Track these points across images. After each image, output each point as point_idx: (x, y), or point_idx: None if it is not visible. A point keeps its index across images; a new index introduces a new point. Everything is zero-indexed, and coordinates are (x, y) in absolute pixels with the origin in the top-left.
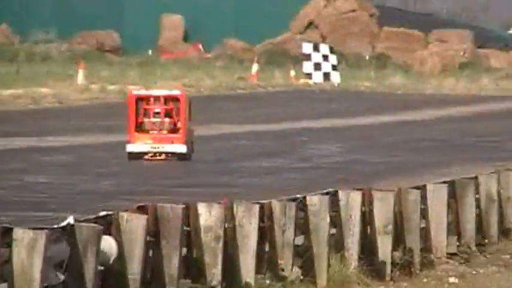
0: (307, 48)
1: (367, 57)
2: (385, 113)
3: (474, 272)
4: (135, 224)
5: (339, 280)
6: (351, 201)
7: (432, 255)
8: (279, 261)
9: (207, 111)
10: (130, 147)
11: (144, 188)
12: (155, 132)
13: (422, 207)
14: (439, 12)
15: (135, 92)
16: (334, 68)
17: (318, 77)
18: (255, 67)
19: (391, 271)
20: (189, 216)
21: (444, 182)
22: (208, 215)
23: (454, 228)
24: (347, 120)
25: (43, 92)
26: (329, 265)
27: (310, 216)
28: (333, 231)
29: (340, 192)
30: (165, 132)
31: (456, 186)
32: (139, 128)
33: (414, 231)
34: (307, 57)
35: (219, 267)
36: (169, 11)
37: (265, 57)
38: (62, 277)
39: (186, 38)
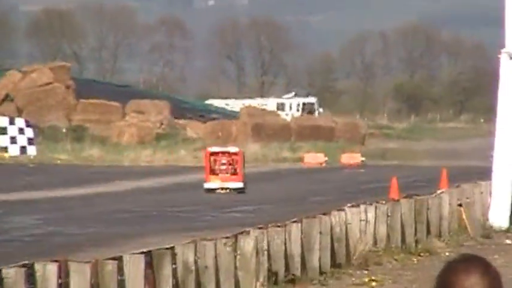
0: (2, 122)
1: (64, 130)
2: (82, 185)
3: None
4: None
5: None
6: (47, 273)
7: None
8: None
9: None
10: (207, 185)
11: None
12: (222, 174)
13: (120, 278)
14: (136, 83)
15: (209, 149)
16: (30, 141)
17: (14, 150)
18: None
19: None
20: None
21: (141, 253)
22: None
23: None
24: (44, 192)
25: None
26: None
27: None
28: None
29: (36, 263)
30: (228, 174)
31: (153, 257)
32: (212, 172)
33: None
34: (3, 130)
35: None
36: None
37: None
38: None
39: None
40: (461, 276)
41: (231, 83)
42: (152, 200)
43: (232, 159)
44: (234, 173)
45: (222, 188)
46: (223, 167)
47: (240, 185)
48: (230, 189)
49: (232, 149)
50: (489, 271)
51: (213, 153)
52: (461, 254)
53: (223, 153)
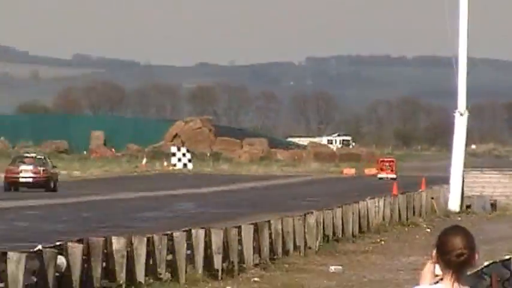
0: (173, 149)
1: (208, 155)
2: (219, 185)
3: (269, 274)
4: (75, 249)
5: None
6: (199, 235)
7: (245, 265)
8: (158, 269)
9: (110, 187)
10: (380, 175)
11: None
12: (387, 170)
13: (239, 238)
14: (248, 126)
15: (380, 159)
16: (189, 160)
17: (180, 165)
18: (144, 160)
19: (222, 273)
20: (107, 244)
21: (251, 224)
22: (118, 243)
23: (257, 249)
24: (196, 189)
25: None
26: (186, 271)
27: (175, 243)
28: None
29: (192, 230)
30: (389, 171)
31: (258, 225)
32: (381, 169)
33: (234, 250)
34: (174, 154)
35: (124, 272)
36: (95, 129)
37: (150, 155)
38: (35, 279)
39: (105, 144)
40: (451, 237)
41: (301, 128)
42: (261, 194)
43: (391, 163)
44: (392, 170)
45: (387, 178)
46: (388, 166)
47: (395, 176)
48: (390, 178)
49: (391, 158)
50: (467, 234)
51: (382, 160)
52: (452, 225)
53: (387, 160)
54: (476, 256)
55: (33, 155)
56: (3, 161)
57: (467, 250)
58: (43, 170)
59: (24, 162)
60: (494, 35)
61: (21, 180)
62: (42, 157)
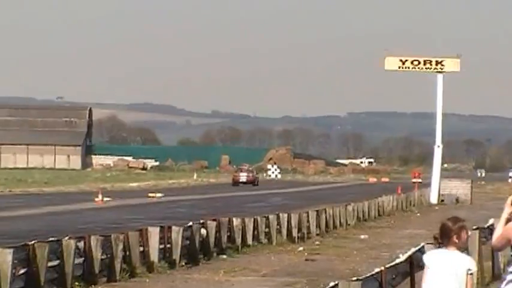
0: (269, 166)
1: (289, 169)
2: (295, 187)
3: (325, 240)
4: (211, 224)
5: (279, 242)
6: (284, 217)
7: (310, 234)
8: (260, 237)
9: (232, 188)
10: (413, 180)
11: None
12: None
13: (307, 218)
14: (312, 153)
15: (414, 171)
16: (278, 173)
17: (273, 176)
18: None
19: (297, 239)
20: (230, 222)
21: (315, 210)
22: (236, 221)
23: (318, 225)
24: (282, 190)
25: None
26: (276, 238)
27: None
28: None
29: (280, 214)
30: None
31: (318, 211)
32: (414, 176)
33: (304, 226)
34: (269, 169)
35: (240, 238)
36: (224, 154)
37: (256, 169)
38: (188, 242)
39: (230, 163)
40: (448, 222)
41: (344, 154)
42: (322, 193)
43: (419, 174)
44: (419, 177)
45: (417, 181)
46: (417, 176)
47: (420, 180)
48: (418, 182)
49: (419, 171)
50: (460, 220)
51: (414, 173)
52: (452, 216)
53: (417, 172)
54: (463, 233)
55: (246, 167)
56: (170, 173)
57: (455, 230)
58: (251, 175)
59: (241, 170)
60: (460, 98)
61: (240, 180)
62: (251, 168)
